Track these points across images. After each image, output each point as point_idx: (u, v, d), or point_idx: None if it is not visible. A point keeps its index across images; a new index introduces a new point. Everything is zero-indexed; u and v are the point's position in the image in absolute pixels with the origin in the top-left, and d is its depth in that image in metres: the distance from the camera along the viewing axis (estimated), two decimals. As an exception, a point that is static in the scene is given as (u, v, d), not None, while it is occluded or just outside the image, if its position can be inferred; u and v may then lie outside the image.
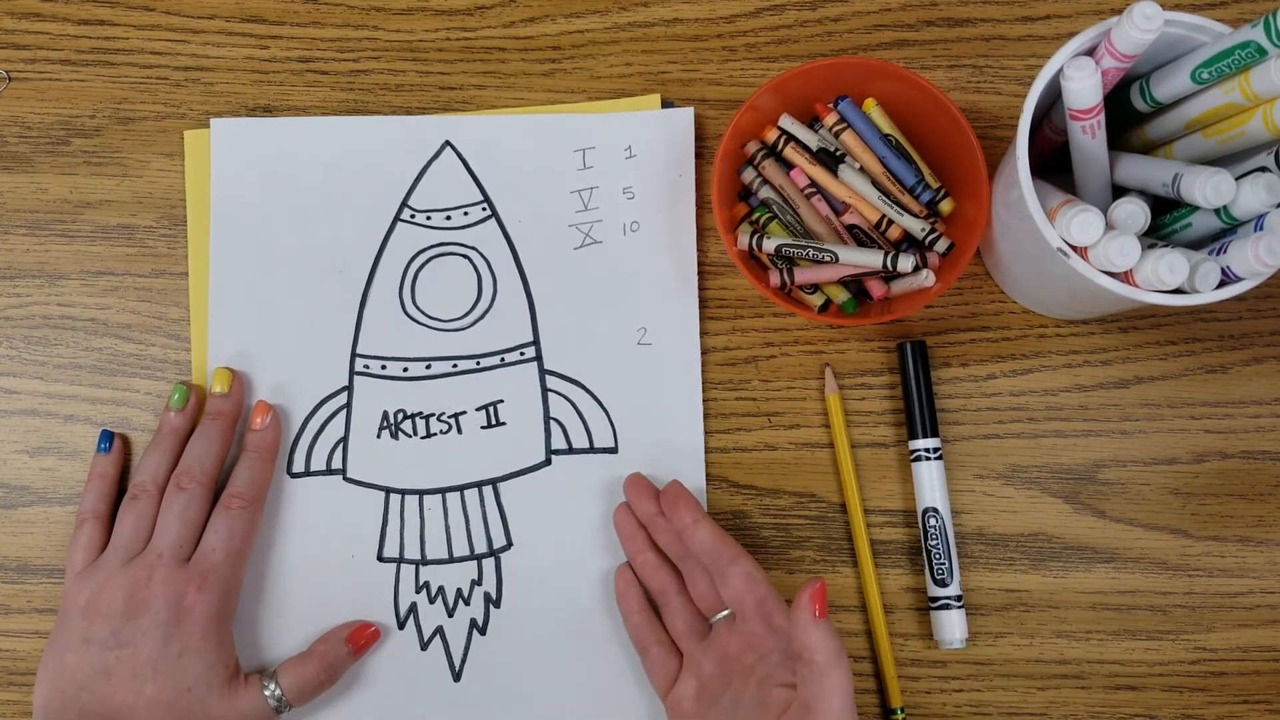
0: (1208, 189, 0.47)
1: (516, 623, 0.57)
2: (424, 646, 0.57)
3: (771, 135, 0.56)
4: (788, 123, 0.56)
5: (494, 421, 0.58)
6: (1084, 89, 0.47)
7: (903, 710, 0.56)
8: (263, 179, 0.59)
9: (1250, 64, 0.46)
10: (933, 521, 0.56)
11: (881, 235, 0.56)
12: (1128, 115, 0.52)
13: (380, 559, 0.57)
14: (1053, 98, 0.50)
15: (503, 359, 0.58)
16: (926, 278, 0.54)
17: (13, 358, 0.59)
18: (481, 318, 0.59)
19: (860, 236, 0.56)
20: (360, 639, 0.56)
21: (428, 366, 0.58)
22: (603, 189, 0.59)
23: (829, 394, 0.58)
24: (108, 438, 0.57)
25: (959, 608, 0.56)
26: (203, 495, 0.54)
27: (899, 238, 0.56)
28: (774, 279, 0.56)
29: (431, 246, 0.59)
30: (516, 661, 0.57)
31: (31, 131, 0.60)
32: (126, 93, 0.60)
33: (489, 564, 0.57)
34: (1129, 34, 0.46)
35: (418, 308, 0.59)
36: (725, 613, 0.53)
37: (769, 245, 0.55)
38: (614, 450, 0.58)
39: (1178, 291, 0.48)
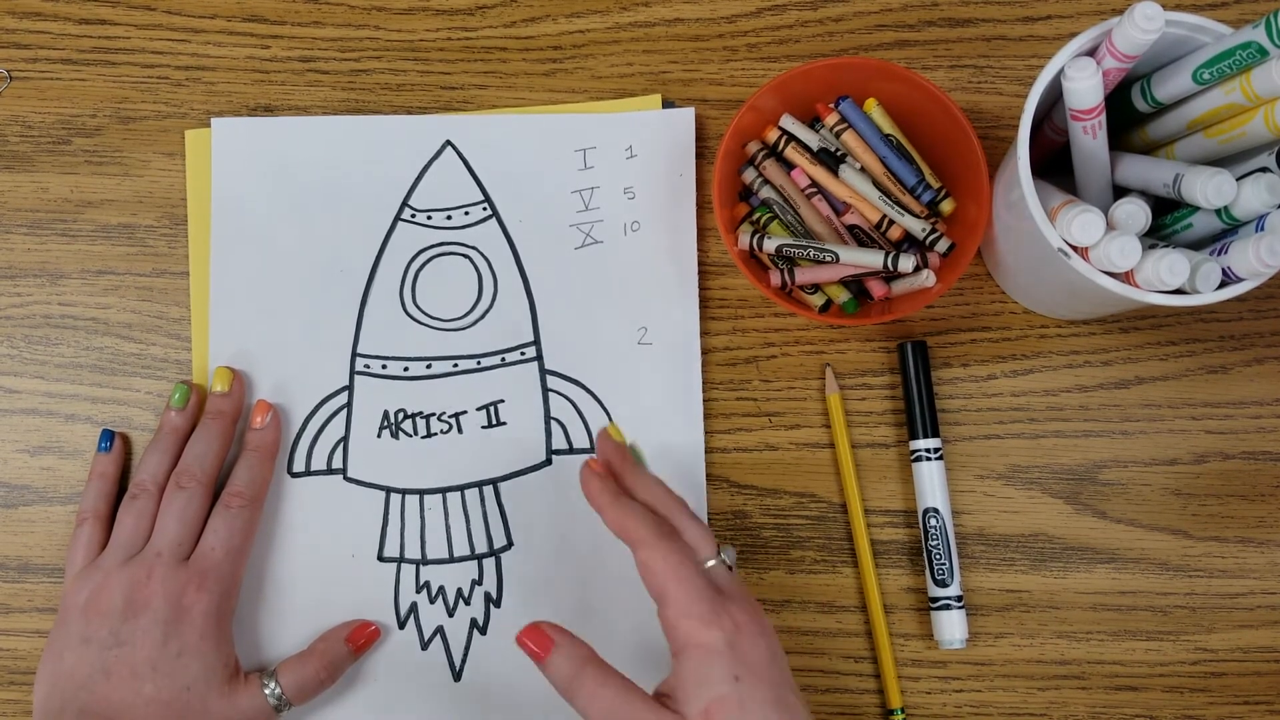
0: (1209, 189, 0.46)
1: (517, 623, 0.56)
2: (424, 646, 0.57)
3: (772, 135, 0.56)
4: (789, 123, 0.56)
5: (494, 421, 0.58)
6: (1085, 89, 0.47)
7: (903, 710, 0.56)
8: (263, 178, 0.59)
9: (1251, 64, 0.46)
10: (933, 522, 0.56)
11: (882, 235, 0.56)
12: (1129, 115, 0.52)
13: (380, 559, 0.57)
14: (1054, 98, 0.50)
15: (503, 359, 0.58)
16: (927, 278, 0.54)
17: (13, 357, 0.59)
18: (482, 317, 0.59)
19: (861, 236, 0.56)
20: (360, 638, 0.56)
21: (428, 366, 0.58)
22: (603, 189, 0.59)
23: (829, 394, 0.58)
24: (108, 437, 0.57)
25: (959, 608, 0.56)
26: (202, 494, 0.54)
27: (900, 238, 0.56)
28: (774, 279, 0.56)
29: (432, 246, 0.59)
30: (516, 661, 0.56)
31: (32, 131, 0.60)
32: (128, 92, 0.60)
33: (489, 564, 0.57)
34: (1130, 34, 0.46)
35: (418, 307, 0.59)
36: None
37: (770, 245, 0.55)
38: (614, 450, 0.58)
39: (1178, 292, 0.48)
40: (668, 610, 0.46)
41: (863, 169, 0.56)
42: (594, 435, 0.58)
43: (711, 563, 0.47)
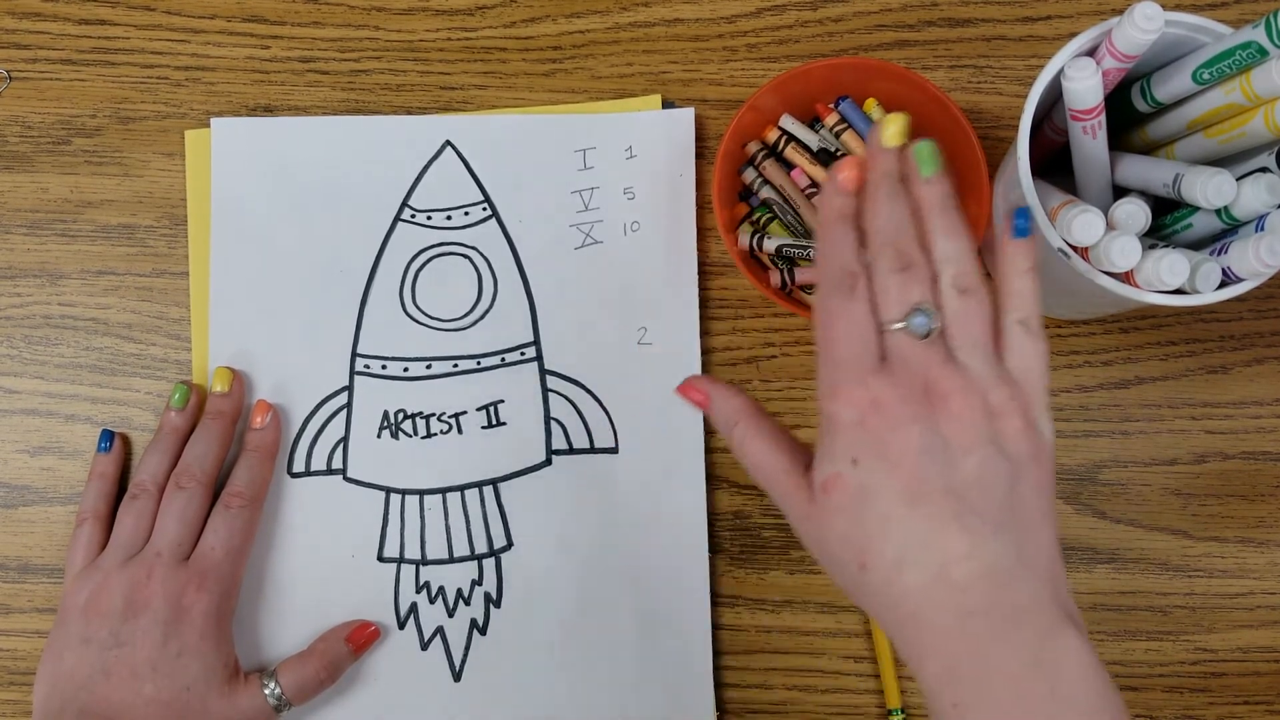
0: (1209, 189, 0.46)
1: (516, 623, 0.57)
2: (424, 646, 0.57)
3: (772, 135, 0.56)
4: (788, 123, 0.56)
5: (494, 421, 0.58)
6: (1085, 89, 0.47)
7: (903, 710, 0.56)
8: (263, 179, 0.59)
9: (1251, 64, 0.46)
10: (933, 522, 0.56)
11: (882, 235, 0.56)
12: (1129, 116, 0.52)
13: (380, 559, 0.57)
14: (1054, 98, 0.50)
15: (503, 359, 0.58)
16: (927, 278, 0.54)
17: (13, 357, 0.59)
18: (482, 318, 0.59)
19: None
20: (360, 638, 0.56)
21: (428, 366, 0.58)
22: (603, 189, 0.59)
23: (829, 394, 0.58)
24: (108, 437, 0.57)
25: (959, 608, 0.56)
26: (202, 494, 0.54)
27: (900, 238, 0.55)
28: (775, 279, 0.56)
29: (432, 246, 0.59)
30: (516, 661, 0.57)
31: (32, 131, 0.60)
32: (127, 92, 0.60)
33: (489, 564, 0.57)
34: (1130, 34, 0.46)
35: (418, 307, 0.59)
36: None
37: (770, 245, 0.55)
38: (614, 450, 0.58)
39: (1178, 292, 0.48)
40: (817, 367, 0.41)
41: (863, 169, 0.56)
42: (593, 434, 0.58)
43: (897, 326, 0.40)
